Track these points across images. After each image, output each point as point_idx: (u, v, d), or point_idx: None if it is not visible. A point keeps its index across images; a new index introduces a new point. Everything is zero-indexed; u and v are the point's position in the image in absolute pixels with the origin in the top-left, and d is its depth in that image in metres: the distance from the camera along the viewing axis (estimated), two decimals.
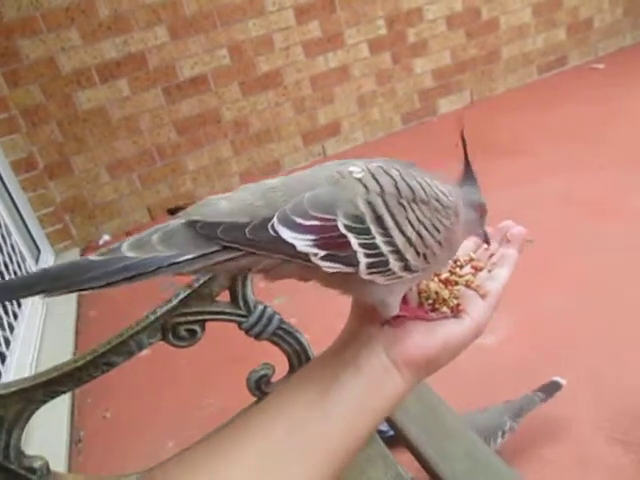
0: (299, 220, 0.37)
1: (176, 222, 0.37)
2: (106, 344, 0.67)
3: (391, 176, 0.41)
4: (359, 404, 0.43)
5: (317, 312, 1.58)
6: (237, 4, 2.92)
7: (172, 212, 0.39)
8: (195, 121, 3.03)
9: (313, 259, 0.37)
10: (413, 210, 0.41)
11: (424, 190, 0.42)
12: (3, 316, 1.90)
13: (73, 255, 2.78)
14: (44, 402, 0.66)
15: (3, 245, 2.22)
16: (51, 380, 0.65)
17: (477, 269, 0.51)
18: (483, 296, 0.48)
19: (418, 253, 0.42)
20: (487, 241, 0.53)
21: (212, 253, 0.36)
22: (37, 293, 0.33)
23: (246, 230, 0.36)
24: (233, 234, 0.36)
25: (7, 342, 1.85)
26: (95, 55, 2.72)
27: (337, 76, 3.28)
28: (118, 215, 3.01)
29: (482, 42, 3.57)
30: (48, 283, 0.33)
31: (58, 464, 1.41)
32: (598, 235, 1.98)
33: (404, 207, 0.41)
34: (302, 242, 0.37)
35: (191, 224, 0.36)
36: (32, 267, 2.46)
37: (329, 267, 0.38)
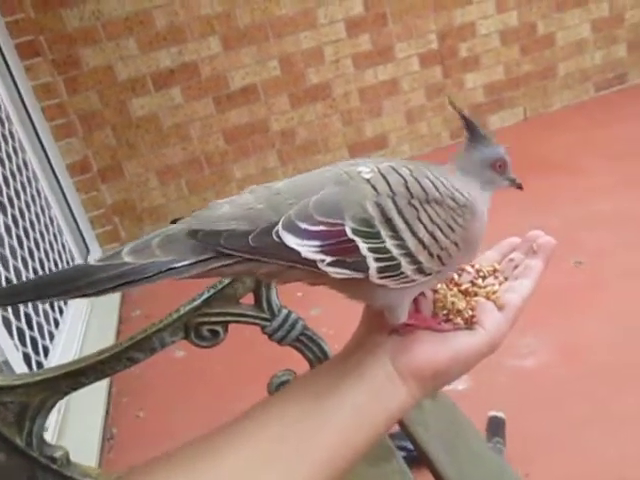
0: (304, 225, 0.36)
1: (177, 227, 0.36)
2: (129, 340, 0.68)
3: (402, 175, 0.40)
4: (358, 414, 0.41)
5: (353, 324, 1.56)
6: (290, 17, 2.96)
7: (175, 222, 0.38)
8: (244, 130, 3.08)
9: (320, 265, 0.36)
10: (426, 210, 0.40)
11: (437, 189, 0.41)
12: (49, 311, 1.97)
13: None
14: (67, 393, 0.67)
15: (54, 243, 2.31)
16: (75, 371, 0.66)
17: (500, 281, 0.49)
18: (500, 308, 0.45)
19: (432, 255, 0.40)
20: (519, 186, 0.49)
21: (211, 259, 0.35)
22: (37, 299, 0.33)
23: (249, 237, 0.35)
24: (236, 242, 0.35)
25: (51, 336, 1.91)
26: (150, 64, 2.81)
27: (386, 89, 3.27)
28: (165, 219, 3.08)
29: (537, 58, 3.49)
30: (48, 288, 0.33)
31: (89, 458, 1.44)
32: None
33: (416, 208, 0.39)
34: (308, 248, 0.36)
35: (193, 233, 0.35)
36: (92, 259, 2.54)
37: (337, 273, 0.37)
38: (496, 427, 1.25)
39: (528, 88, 3.54)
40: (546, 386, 1.45)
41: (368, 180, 0.39)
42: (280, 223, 0.36)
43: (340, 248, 0.37)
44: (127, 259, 0.34)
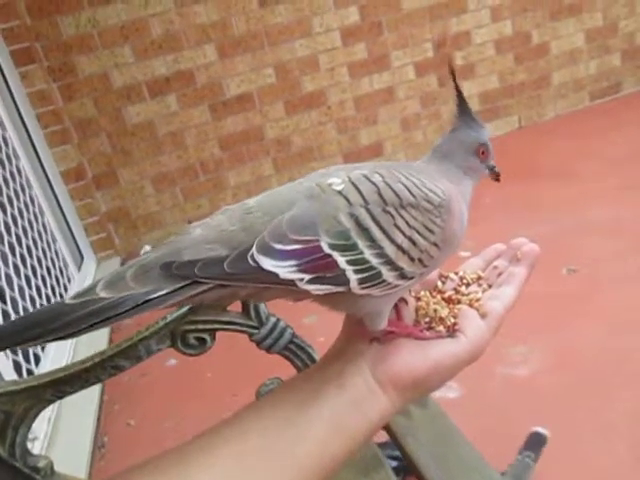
0: (279, 246, 0.35)
1: (151, 256, 0.36)
2: (115, 347, 0.67)
3: (373, 183, 0.39)
4: (337, 424, 0.40)
5: None
6: (285, 25, 2.97)
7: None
8: (239, 138, 3.08)
9: (299, 284, 0.36)
10: (401, 216, 0.39)
11: (411, 192, 0.40)
12: None
13: (114, 264, 2.85)
14: (52, 401, 0.66)
15: (47, 251, 2.30)
16: (59, 380, 0.65)
17: (484, 288, 0.49)
18: (483, 316, 0.45)
19: (412, 259, 0.40)
20: (497, 178, 0.49)
21: (187, 286, 0.34)
22: (13, 345, 0.32)
23: (224, 264, 0.34)
24: (211, 270, 0.34)
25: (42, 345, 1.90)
26: (146, 72, 2.82)
27: (381, 97, 3.28)
28: (160, 227, 3.07)
29: (532, 67, 3.51)
30: (23, 333, 0.31)
31: (80, 467, 1.42)
32: None
33: (391, 214, 0.39)
34: (285, 269, 0.35)
35: (166, 266, 0.34)
36: (74, 273, 2.53)
37: (318, 290, 0.36)
38: (535, 443, 1.21)
39: (522, 97, 3.56)
40: (538, 394, 1.44)
41: (340, 192, 0.39)
42: (254, 246, 0.35)
43: (318, 265, 0.36)
44: (102, 294, 0.33)
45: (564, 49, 3.53)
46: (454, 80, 0.46)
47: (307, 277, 0.36)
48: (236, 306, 0.72)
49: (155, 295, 0.34)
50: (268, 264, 0.35)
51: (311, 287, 0.36)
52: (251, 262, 0.35)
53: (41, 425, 1.52)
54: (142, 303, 0.33)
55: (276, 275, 0.35)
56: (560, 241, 2.09)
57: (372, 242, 0.38)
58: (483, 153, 0.47)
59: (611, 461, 1.23)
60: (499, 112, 3.54)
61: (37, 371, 1.74)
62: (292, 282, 0.36)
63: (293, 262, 0.35)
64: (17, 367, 1.62)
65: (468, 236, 0.48)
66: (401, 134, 3.40)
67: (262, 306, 0.72)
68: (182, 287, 0.34)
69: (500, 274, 0.50)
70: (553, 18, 3.44)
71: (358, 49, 3.14)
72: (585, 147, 3.06)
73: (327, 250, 0.36)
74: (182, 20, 2.80)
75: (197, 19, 2.82)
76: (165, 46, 2.81)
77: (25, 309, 1.84)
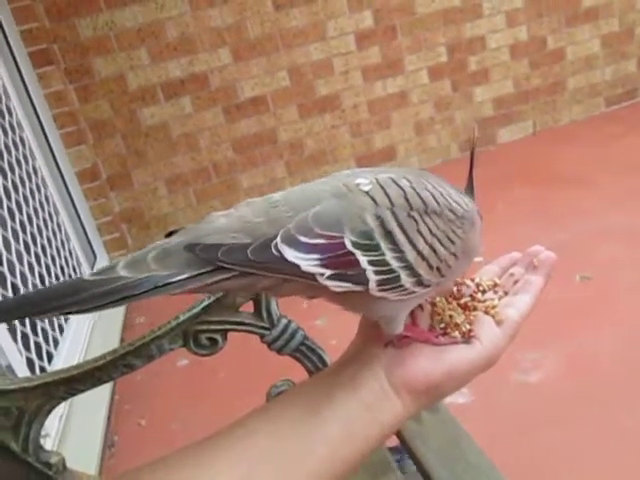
0: (304, 239, 0.36)
1: (174, 240, 0.36)
2: (127, 346, 0.67)
3: (401, 187, 0.40)
4: (349, 427, 0.40)
5: None
6: (300, 28, 2.99)
7: (170, 235, 0.38)
8: (252, 140, 3.09)
9: (319, 279, 0.36)
10: (425, 222, 0.39)
11: (436, 200, 0.40)
12: (54, 318, 1.98)
13: None
14: (64, 399, 0.67)
15: (62, 250, 2.32)
16: (72, 377, 0.66)
17: (500, 295, 0.48)
18: (499, 323, 0.45)
19: (431, 267, 0.40)
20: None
21: (208, 272, 0.35)
22: (31, 315, 0.32)
23: (248, 251, 0.35)
24: (234, 256, 0.34)
25: (56, 342, 1.92)
26: (161, 74, 2.84)
27: (395, 101, 3.28)
28: (172, 228, 3.08)
29: (547, 72, 3.49)
30: (41, 304, 0.32)
31: (90, 465, 1.43)
32: None
33: (415, 220, 0.39)
34: (307, 262, 0.35)
35: (190, 247, 0.35)
36: (87, 272, 2.55)
37: (337, 286, 0.36)
38: None
39: (537, 102, 3.54)
40: (551, 401, 1.43)
41: (367, 192, 0.39)
42: (279, 236, 0.35)
43: (340, 261, 0.36)
44: (122, 273, 0.33)
45: (580, 55, 3.51)
46: (471, 154, 0.47)
47: (328, 272, 0.36)
48: (248, 307, 0.72)
49: (175, 279, 0.34)
50: (291, 255, 0.35)
51: (331, 283, 0.36)
52: (274, 251, 0.35)
53: (52, 422, 1.53)
54: (162, 285, 0.33)
55: (298, 267, 0.35)
56: (573, 248, 2.07)
57: (394, 245, 0.38)
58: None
59: (628, 470, 1.22)
60: (513, 117, 3.53)
61: (50, 368, 1.76)
62: (312, 276, 0.36)
63: (316, 256, 0.36)
64: (30, 364, 1.64)
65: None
66: (414, 138, 3.39)
67: (274, 307, 0.72)
68: (203, 273, 0.34)
69: (516, 282, 0.49)
70: (569, 24, 3.42)
71: (372, 53, 3.15)
72: (600, 153, 3.04)
73: (350, 248, 0.37)
74: (197, 23, 2.83)
75: (212, 22, 2.84)
76: (180, 49, 2.84)
77: None
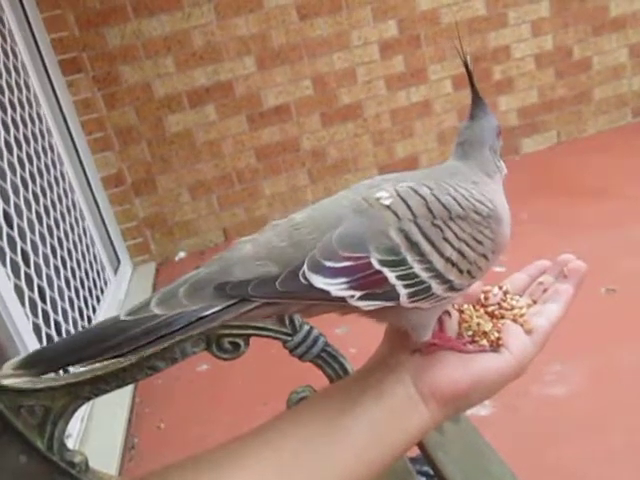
0: (330, 264, 0.36)
1: (202, 272, 0.36)
2: None
3: (422, 196, 0.39)
4: (375, 433, 0.40)
5: (378, 344, 1.54)
6: (324, 38, 3.01)
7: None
8: (275, 148, 3.11)
9: (350, 301, 0.36)
10: (450, 228, 0.39)
11: (459, 204, 0.40)
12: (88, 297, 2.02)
13: (150, 268, 2.91)
14: (89, 398, 0.68)
15: (87, 254, 2.36)
16: (97, 377, 0.67)
17: (528, 304, 0.48)
18: (528, 332, 0.44)
19: (461, 271, 0.40)
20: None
21: (239, 303, 0.35)
22: (75, 362, 0.32)
23: (277, 283, 0.35)
24: (264, 290, 0.35)
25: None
26: (186, 82, 2.88)
27: (418, 111, 3.28)
28: (195, 234, 3.12)
29: (572, 82, 3.45)
30: (85, 350, 0.32)
31: (110, 467, 1.45)
32: None
33: (440, 228, 0.39)
34: (336, 286, 0.35)
35: (221, 286, 0.35)
36: (110, 276, 2.59)
37: (368, 306, 0.37)
38: None
39: (562, 112, 3.50)
40: (575, 415, 1.40)
41: (388, 206, 0.39)
42: (305, 264, 0.35)
43: (368, 281, 0.36)
44: (156, 311, 0.34)
45: (607, 64, 3.46)
46: (467, 68, 0.47)
47: (358, 294, 0.36)
48: None
49: (208, 312, 0.34)
50: (319, 282, 0.35)
51: (362, 304, 0.36)
52: (303, 280, 0.35)
53: (74, 424, 1.55)
54: (195, 320, 0.34)
55: (327, 293, 0.35)
56: (599, 259, 2.02)
57: (421, 256, 0.38)
58: (499, 134, 0.50)
59: None
60: (538, 127, 3.49)
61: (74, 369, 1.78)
62: (343, 299, 0.36)
63: (344, 279, 0.36)
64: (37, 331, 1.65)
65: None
66: (437, 147, 3.38)
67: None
68: (234, 304, 0.35)
69: (545, 290, 0.49)
70: (595, 33, 3.38)
71: (396, 62, 3.15)
72: (626, 164, 2.99)
73: (377, 267, 0.37)
74: (223, 32, 2.87)
75: (237, 31, 2.88)
76: (206, 57, 2.88)
77: (64, 310, 1.89)
